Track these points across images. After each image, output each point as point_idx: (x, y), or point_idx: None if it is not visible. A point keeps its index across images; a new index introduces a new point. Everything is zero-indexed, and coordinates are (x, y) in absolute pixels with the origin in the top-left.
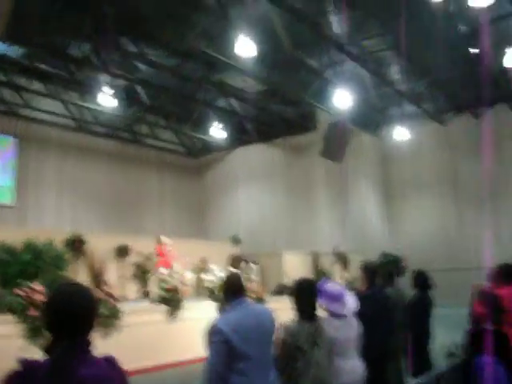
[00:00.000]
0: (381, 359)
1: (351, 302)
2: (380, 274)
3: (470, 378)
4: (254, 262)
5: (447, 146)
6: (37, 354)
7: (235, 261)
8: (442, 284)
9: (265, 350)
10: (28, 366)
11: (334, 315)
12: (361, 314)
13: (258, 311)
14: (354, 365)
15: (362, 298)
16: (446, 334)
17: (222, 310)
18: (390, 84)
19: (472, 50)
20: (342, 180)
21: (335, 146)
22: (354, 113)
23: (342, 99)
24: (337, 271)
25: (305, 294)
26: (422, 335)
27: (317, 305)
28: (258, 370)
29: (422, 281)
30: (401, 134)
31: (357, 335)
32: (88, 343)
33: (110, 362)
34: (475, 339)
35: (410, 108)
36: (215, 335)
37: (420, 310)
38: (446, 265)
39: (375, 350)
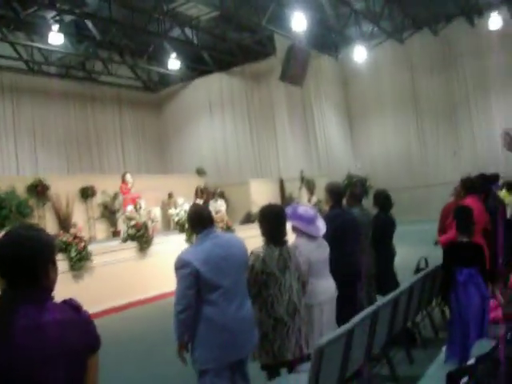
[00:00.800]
0: (351, 279)
1: (321, 224)
2: (346, 195)
3: (448, 287)
4: (220, 193)
5: (406, 65)
6: None
7: (202, 193)
8: (405, 202)
9: (237, 280)
10: None
11: (310, 237)
12: (328, 234)
13: (227, 241)
14: (328, 284)
15: (328, 218)
16: (411, 251)
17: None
18: (347, 3)
19: None
20: (303, 104)
21: (294, 69)
22: (311, 35)
23: (299, 22)
24: (304, 196)
25: (273, 219)
26: (386, 254)
27: (285, 229)
28: (230, 300)
29: (383, 200)
30: (360, 54)
31: (327, 256)
32: (45, 290)
33: (71, 305)
34: (451, 251)
35: (368, 27)
36: (183, 267)
37: (382, 230)
38: (408, 183)
39: (344, 269)
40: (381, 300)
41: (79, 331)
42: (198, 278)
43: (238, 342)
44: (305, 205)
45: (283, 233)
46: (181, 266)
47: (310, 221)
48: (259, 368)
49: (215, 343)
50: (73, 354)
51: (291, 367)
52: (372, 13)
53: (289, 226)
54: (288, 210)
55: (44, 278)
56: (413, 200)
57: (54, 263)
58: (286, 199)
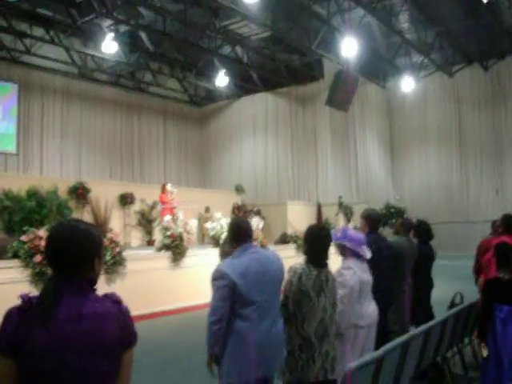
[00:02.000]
0: (382, 305)
1: (367, 249)
2: (396, 224)
3: (486, 325)
4: (257, 211)
5: (454, 98)
6: None
7: (239, 210)
8: (444, 236)
9: (271, 297)
10: (26, 300)
11: (360, 258)
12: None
13: (266, 257)
14: (374, 307)
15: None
16: (446, 286)
17: (223, 255)
18: (398, 33)
19: (484, 0)
20: (347, 130)
21: (341, 94)
22: (361, 62)
23: (349, 48)
24: (340, 222)
25: (318, 240)
26: (423, 286)
27: (327, 253)
28: (263, 316)
29: (424, 231)
30: (408, 84)
31: (371, 279)
32: (89, 282)
33: (112, 299)
34: (492, 288)
35: (417, 58)
36: (220, 279)
37: (421, 261)
38: (447, 217)
39: (376, 295)
40: (413, 331)
41: (118, 325)
42: (234, 291)
43: (267, 359)
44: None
45: (325, 256)
46: (218, 277)
47: (361, 243)
48: None
49: (244, 358)
50: (109, 346)
51: None
52: (423, 44)
53: (332, 248)
54: (338, 232)
55: (89, 270)
56: (451, 235)
57: (99, 257)
58: (323, 224)
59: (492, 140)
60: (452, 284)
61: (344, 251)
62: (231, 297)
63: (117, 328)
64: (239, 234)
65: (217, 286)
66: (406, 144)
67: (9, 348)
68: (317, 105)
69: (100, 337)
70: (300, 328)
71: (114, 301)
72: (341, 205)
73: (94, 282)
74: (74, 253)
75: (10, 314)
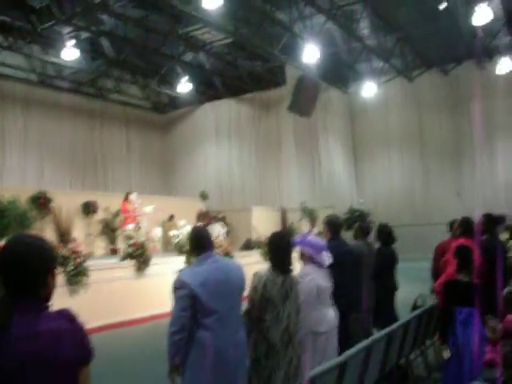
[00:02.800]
0: (344, 310)
1: (328, 255)
2: (354, 228)
3: (446, 326)
4: (222, 218)
5: (414, 103)
6: None
7: (203, 217)
8: (407, 239)
9: (233, 306)
10: None
11: (320, 265)
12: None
13: (226, 265)
14: (333, 313)
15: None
16: (409, 287)
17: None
18: (358, 39)
19: (441, 7)
20: (310, 135)
21: (304, 100)
22: (322, 68)
23: (311, 54)
24: (304, 227)
25: (281, 247)
26: (385, 288)
27: (291, 259)
28: (224, 326)
29: (385, 234)
30: (369, 89)
31: (331, 285)
32: (42, 299)
33: (65, 315)
34: (451, 289)
35: (378, 64)
36: (181, 288)
37: (384, 264)
38: (410, 220)
39: (339, 300)
40: (376, 334)
41: (73, 342)
42: (195, 301)
43: (230, 368)
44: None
45: (288, 262)
46: (178, 286)
47: (321, 250)
48: None
49: (207, 368)
50: (65, 365)
51: None
52: (383, 50)
53: (295, 254)
54: (298, 238)
55: (43, 288)
56: (414, 237)
57: (53, 274)
58: (287, 229)
59: (452, 143)
60: (415, 286)
61: (303, 257)
62: (192, 306)
63: (72, 345)
64: (199, 243)
65: (177, 296)
66: (369, 148)
67: None
68: (280, 110)
69: (56, 355)
70: (266, 333)
71: (68, 318)
72: (304, 210)
73: (48, 299)
74: (28, 269)
75: None
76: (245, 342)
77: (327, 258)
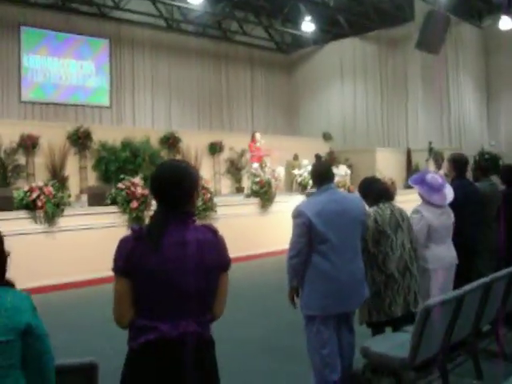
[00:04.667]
0: (466, 251)
1: (449, 193)
2: (472, 168)
3: None
4: (345, 160)
5: None
6: None
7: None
8: None
9: (348, 236)
10: (135, 230)
11: (433, 205)
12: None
13: (343, 198)
14: (447, 252)
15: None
16: None
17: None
18: None
19: None
20: (439, 74)
21: (432, 36)
22: (454, 1)
23: None
24: (431, 168)
25: (370, 186)
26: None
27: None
28: (339, 253)
29: (510, 176)
30: (506, 23)
31: (451, 224)
32: (190, 213)
33: (210, 229)
34: None
35: None
36: (298, 217)
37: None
38: None
39: (461, 240)
40: (495, 273)
41: (215, 251)
42: (311, 228)
43: (345, 294)
44: (434, 172)
45: (382, 195)
46: (296, 215)
47: (436, 189)
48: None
49: (322, 292)
50: (208, 269)
51: (396, 326)
52: None
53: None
54: (415, 176)
55: (189, 204)
56: None
57: (197, 192)
58: (412, 170)
59: None
60: None
61: (420, 195)
62: (308, 233)
63: (215, 253)
64: (319, 176)
65: (295, 224)
66: (505, 88)
67: (125, 269)
68: (407, 48)
69: (201, 260)
70: (382, 266)
71: (212, 230)
72: (431, 150)
73: (193, 214)
74: (176, 189)
75: (126, 240)
76: (361, 272)
77: (444, 197)
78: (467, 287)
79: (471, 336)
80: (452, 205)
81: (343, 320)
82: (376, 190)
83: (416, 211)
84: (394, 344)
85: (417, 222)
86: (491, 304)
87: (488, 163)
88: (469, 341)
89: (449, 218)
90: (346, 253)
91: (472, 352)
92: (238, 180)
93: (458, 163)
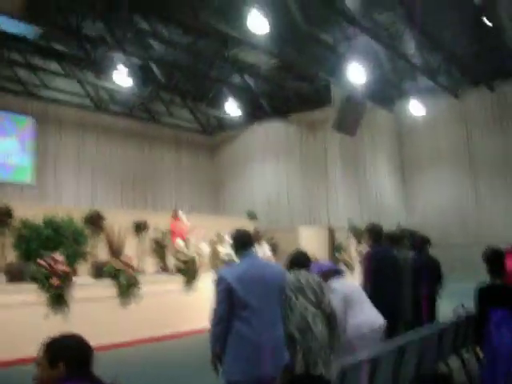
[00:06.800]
0: (392, 317)
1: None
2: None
3: (482, 328)
4: (270, 238)
5: (462, 120)
6: (57, 322)
7: (255, 237)
8: (457, 258)
9: (269, 302)
10: None
11: (337, 275)
12: (370, 271)
13: (264, 264)
14: (369, 316)
15: (369, 255)
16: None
17: None
18: (404, 58)
19: (487, 22)
20: (357, 154)
21: (349, 119)
22: (368, 87)
23: (357, 74)
24: (352, 245)
25: (295, 253)
26: (429, 293)
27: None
28: (260, 319)
29: (419, 241)
30: (416, 108)
31: (359, 286)
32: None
33: None
34: (484, 293)
35: (424, 82)
36: (220, 283)
37: (422, 270)
38: (461, 240)
39: (386, 307)
40: (410, 334)
41: None
42: (232, 294)
43: (266, 358)
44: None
45: (302, 261)
46: (217, 281)
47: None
48: None
49: (243, 356)
50: None
51: None
52: (429, 68)
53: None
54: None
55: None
56: (465, 257)
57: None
58: (335, 247)
59: (503, 160)
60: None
61: (325, 278)
62: (229, 298)
63: None
64: (238, 242)
65: (216, 290)
66: (418, 166)
67: None
68: (327, 130)
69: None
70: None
71: None
72: (351, 228)
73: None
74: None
75: None
76: (282, 336)
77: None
78: (382, 347)
79: None
80: (373, 270)
81: None
82: (290, 259)
83: (330, 289)
84: None
85: (336, 300)
86: (406, 366)
87: (398, 234)
88: None
89: (352, 282)
90: (267, 318)
91: None
92: (163, 259)
93: (374, 232)
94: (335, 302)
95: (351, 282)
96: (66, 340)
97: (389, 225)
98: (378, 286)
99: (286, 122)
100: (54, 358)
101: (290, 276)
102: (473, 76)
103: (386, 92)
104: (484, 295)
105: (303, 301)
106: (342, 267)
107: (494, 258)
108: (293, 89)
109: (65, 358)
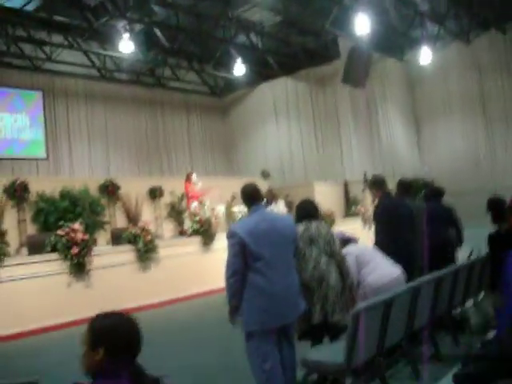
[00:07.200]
0: (408, 265)
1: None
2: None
3: (497, 273)
4: (285, 196)
5: (474, 66)
6: (79, 289)
7: (269, 195)
8: (472, 205)
9: (281, 252)
10: None
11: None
12: (382, 221)
13: (274, 217)
14: (385, 269)
15: (382, 206)
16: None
17: None
18: (411, 5)
19: None
20: (368, 106)
21: (356, 70)
22: (376, 37)
23: (363, 24)
24: (368, 197)
25: (303, 203)
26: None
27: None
28: (274, 269)
29: (433, 191)
30: (425, 56)
31: (370, 246)
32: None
33: None
34: (497, 239)
35: (433, 29)
36: (232, 237)
37: (435, 218)
38: (475, 186)
39: (401, 256)
40: (425, 277)
41: None
42: (244, 247)
43: (282, 308)
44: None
45: (310, 212)
46: (229, 236)
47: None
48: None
49: (260, 307)
50: None
51: (333, 335)
52: (437, 14)
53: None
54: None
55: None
56: (480, 204)
57: None
58: (350, 201)
59: None
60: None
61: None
62: (242, 252)
63: None
64: (248, 197)
65: (229, 244)
66: (430, 115)
67: None
68: (336, 84)
69: None
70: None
71: None
72: (366, 181)
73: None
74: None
75: None
76: (296, 285)
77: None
78: (395, 291)
79: (405, 339)
80: (385, 221)
81: (283, 334)
82: (298, 211)
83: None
84: (332, 351)
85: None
86: (421, 308)
87: (408, 183)
88: (404, 344)
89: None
90: (281, 268)
91: (408, 355)
92: (180, 223)
93: (376, 183)
94: (349, 262)
95: (363, 245)
96: (111, 321)
97: (404, 175)
98: (392, 236)
99: (295, 79)
100: (95, 341)
101: (301, 227)
102: (483, 20)
103: (395, 41)
104: (495, 241)
105: (316, 250)
106: (358, 220)
107: (493, 207)
108: (299, 44)
109: (105, 343)
